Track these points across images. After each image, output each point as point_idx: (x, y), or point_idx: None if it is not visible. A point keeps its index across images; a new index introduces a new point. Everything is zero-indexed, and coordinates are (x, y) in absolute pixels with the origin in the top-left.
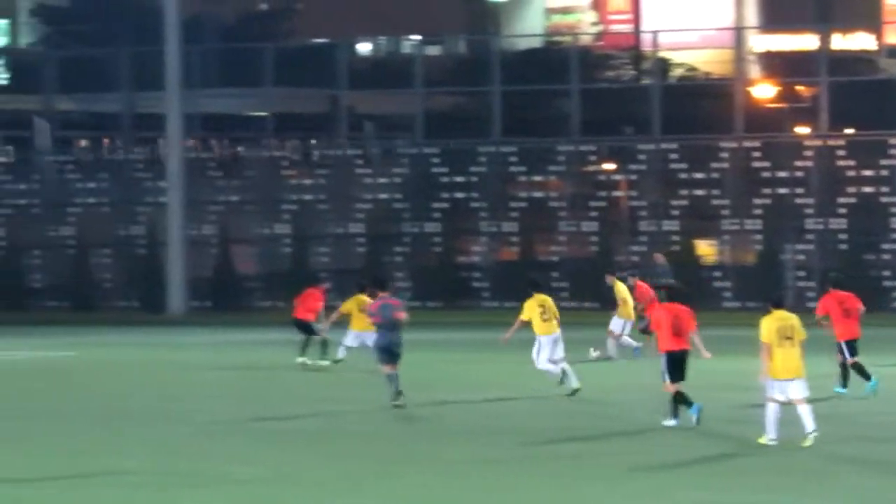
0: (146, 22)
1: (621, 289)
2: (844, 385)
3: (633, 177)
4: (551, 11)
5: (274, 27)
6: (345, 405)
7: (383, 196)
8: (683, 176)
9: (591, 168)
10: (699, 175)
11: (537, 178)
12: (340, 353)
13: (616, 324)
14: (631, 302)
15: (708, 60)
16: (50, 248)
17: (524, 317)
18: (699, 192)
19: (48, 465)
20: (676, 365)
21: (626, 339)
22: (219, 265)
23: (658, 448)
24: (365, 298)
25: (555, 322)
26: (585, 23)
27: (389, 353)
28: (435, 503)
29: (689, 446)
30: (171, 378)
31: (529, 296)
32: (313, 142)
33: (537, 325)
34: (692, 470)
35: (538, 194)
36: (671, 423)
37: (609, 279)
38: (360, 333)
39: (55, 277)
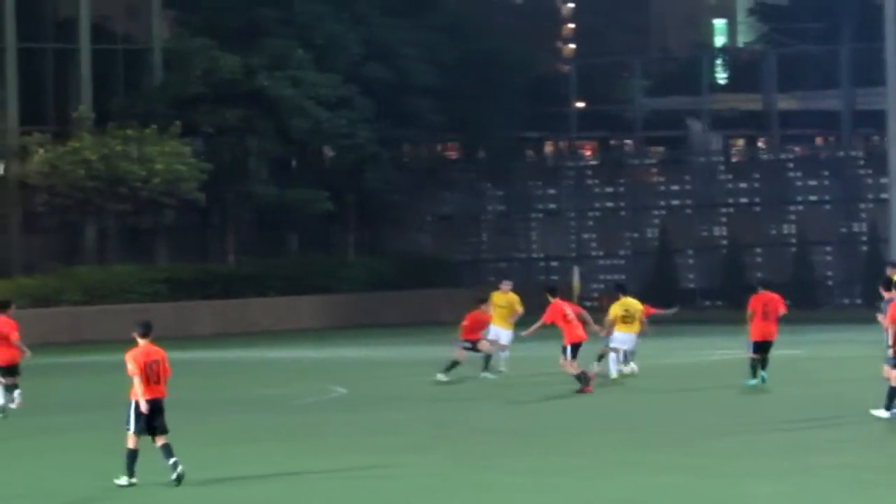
0: (866, 17)
1: None
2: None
3: None
4: None
5: None
6: None
7: None
8: None
9: None
10: None
11: None
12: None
13: None
14: None
15: None
16: (771, 246)
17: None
18: None
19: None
20: None
21: None
22: None
23: None
24: (632, 301)
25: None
26: None
27: None
28: None
29: None
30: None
31: (616, 299)
32: None
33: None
34: None
35: None
36: None
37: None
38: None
39: (779, 275)
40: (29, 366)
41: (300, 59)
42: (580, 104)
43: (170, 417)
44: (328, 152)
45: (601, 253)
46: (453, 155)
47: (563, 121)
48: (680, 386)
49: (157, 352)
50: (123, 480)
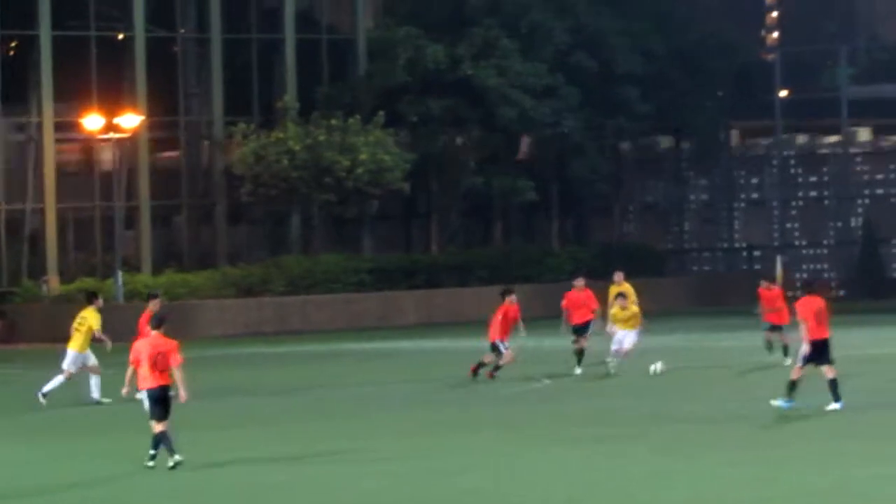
0: None
1: None
2: None
3: None
4: None
5: None
6: None
7: None
8: None
9: None
10: None
11: None
12: None
13: None
14: None
15: None
16: None
17: None
18: None
19: None
20: None
21: None
22: None
23: None
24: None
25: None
26: None
27: None
28: None
29: None
30: None
31: None
32: None
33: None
34: None
35: None
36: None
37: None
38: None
39: None
40: (233, 355)
41: (506, 48)
42: (785, 93)
43: (377, 406)
44: (527, 144)
45: (804, 242)
46: (661, 144)
47: (768, 109)
48: (882, 375)
49: (167, 343)
50: (173, 460)
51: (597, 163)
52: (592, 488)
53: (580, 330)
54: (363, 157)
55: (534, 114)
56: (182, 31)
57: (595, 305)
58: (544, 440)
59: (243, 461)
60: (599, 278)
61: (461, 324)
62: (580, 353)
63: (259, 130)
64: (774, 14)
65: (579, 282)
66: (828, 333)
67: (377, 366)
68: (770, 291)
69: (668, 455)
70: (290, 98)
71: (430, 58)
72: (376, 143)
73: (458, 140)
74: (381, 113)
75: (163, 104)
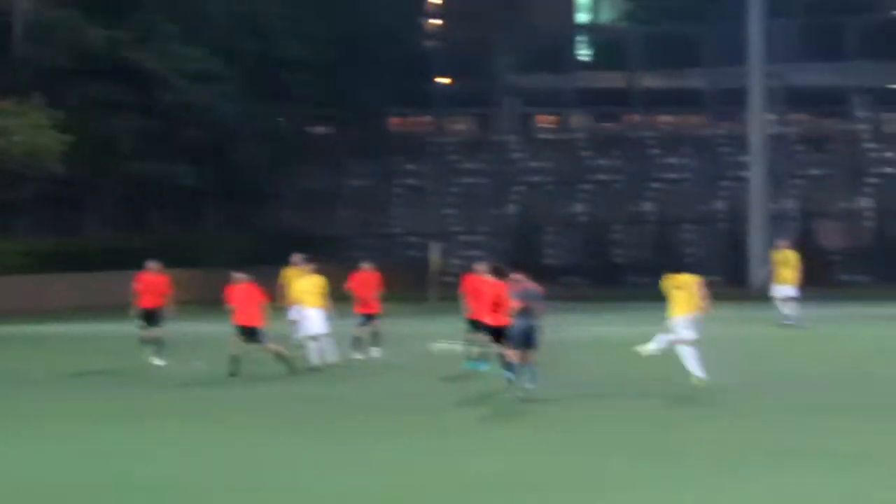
0: None
1: None
2: None
3: None
4: None
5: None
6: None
7: None
8: None
9: None
10: None
11: None
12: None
13: None
14: None
15: None
16: (632, 224)
17: None
18: None
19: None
20: None
21: None
22: (800, 239)
23: None
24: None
25: None
26: None
27: (523, 340)
28: None
29: None
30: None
31: None
32: None
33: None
34: None
35: None
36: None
37: None
38: None
39: (639, 252)
40: None
41: (167, 31)
42: (447, 80)
43: (29, 392)
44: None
45: (461, 229)
46: (321, 130)
47: (430, 97)
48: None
49: None
50: None
51: (256, 149)
52: (263, 476)
53: (149, 315)
54: (17, 138)
55: (193, 98)
56: None
57: (167, 290)
58: (232, 426)
59: None
60: (262, 264)
61: (117, 308)
62: (152, 342)
63: None
64: (436, 1)
65: (154, 265)
66: (505, 320)
67: (32, 350)
68: (369, 275)
69: (321, 441)
70: None
71: (90, 41)
72: (33, 126)
73: (118, 124)
74: (38, 94)
75: None
